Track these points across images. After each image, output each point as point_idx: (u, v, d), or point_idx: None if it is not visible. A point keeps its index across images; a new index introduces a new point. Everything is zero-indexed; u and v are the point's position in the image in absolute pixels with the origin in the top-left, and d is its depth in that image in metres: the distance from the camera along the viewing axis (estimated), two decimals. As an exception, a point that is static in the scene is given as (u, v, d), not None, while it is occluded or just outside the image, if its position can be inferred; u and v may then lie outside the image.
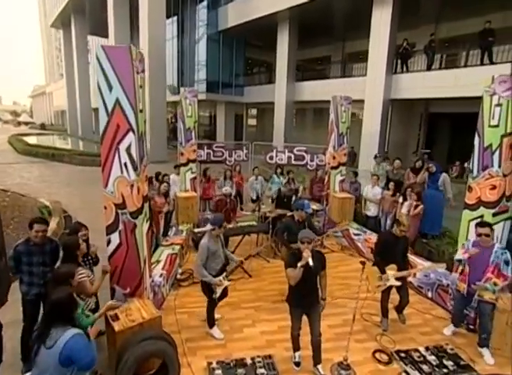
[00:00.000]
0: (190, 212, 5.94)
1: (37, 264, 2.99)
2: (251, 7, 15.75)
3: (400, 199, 5.88)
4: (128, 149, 2.97)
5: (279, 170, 7.68)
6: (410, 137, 15.48)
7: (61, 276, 2.45)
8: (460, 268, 3.61)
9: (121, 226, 3.11)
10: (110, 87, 2.87)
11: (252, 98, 19.85)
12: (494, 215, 3.66)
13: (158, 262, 4.40)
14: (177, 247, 4.93)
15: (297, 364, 3.16)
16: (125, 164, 2.99)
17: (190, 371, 3.01)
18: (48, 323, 1.92)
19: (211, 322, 3.57)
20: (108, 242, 3.17)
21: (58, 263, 2.94)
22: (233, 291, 4.52)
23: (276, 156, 7.74)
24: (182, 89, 6.63)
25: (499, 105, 3.53)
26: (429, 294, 4.51)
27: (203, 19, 18.23)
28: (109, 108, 2.90)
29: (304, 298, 2.97)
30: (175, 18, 19.74)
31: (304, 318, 3.09)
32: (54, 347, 1.82)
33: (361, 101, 12.36)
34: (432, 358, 3.30)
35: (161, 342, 2.75)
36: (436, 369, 3.15)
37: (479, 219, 3.71)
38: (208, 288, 3.37)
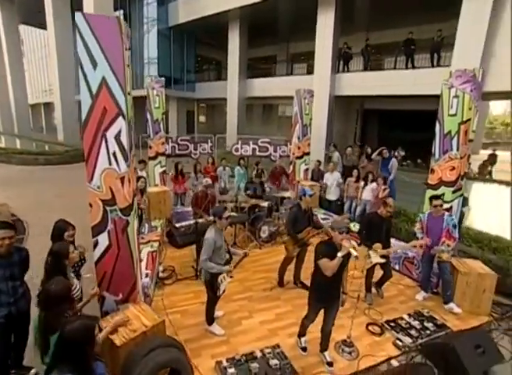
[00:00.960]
0: (163, 207, 5.45)
1: (4, 279, 2.38)
2: (201, 4, 15.18)
3: (361, 184, 6.28)
4: (117, 136, 2.50)
5: (242, 162, 7.53)
6: (348, 130, 16.72)
7: (57, 296, 1.96)
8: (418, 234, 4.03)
9: (110, 226, 2.64)
10: (94, 64, 2.35)
11: (203, 94, 19.32)
12: (453, 192, 4.11)
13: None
14: (155, 244, 4.47)
15: (304, 349, 3.12)
16: (114, 154, 2.51)
17: (198, 374, 2.75)
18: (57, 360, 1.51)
19: (210, 319, 3.31)
20: (95, 244, 2.67)
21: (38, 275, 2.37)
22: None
23: (241, 148, 7.58)
24: (148, 79, 5.99)
25: (456, 96, 3.93)
26: (397, 267, 4.90)
27: (152, 13, 16.84)
28: (93, 89, 2.38)
29: (329, 292, 2.83)
30: (122, 11, 17.79)
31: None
32: None
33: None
34: (415, 323, 3.58)
35: (172, 349, 2.44)
36: (421, 332, 3.44)
37: (442, 197, 4.13)
38: (211, 285, 3.09)
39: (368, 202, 6.25)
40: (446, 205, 4.10)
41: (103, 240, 2.66)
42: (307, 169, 7.19)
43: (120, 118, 2.48)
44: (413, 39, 11.01)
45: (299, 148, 6.96)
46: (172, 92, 17.95)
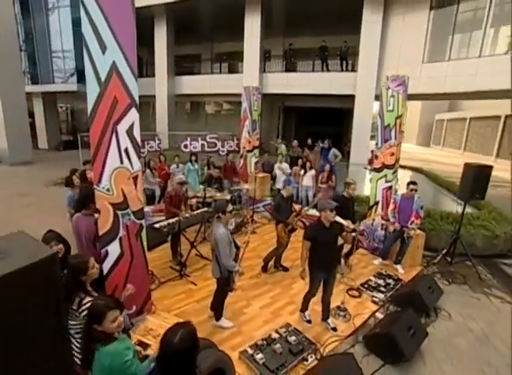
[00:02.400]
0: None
1: None
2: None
3: (302, 172, 6.84)
4: (130, 130, 2.13)
5: (193, 158, 7.21)
6: (272, 126, 17.67)
7: (98, 311, 1.61)
8: (391, 217, 4.63)
9: (122, 232, 2.25)
10: (103, 47, 1.92)
11: None
12: (393, 173, 4.94)
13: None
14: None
15: (309, 321, 3.35)
16: (126, 150, 2.13)
17: (227, 368, 2.66)
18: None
19: (219, 314, 3.19)
20: (105, 256, 2.24)
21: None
22: (208, 280, 4.14)
23: (191, 144, 7.22)
24: None
25: (392, 96, 4.70)
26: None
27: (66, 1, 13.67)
28: (102, 76, 1.95)
29: (327, 263, 3.09)
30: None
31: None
32: None
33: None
34: (381, 281, 4.23)
35: (212, 350, 2.31)
36: (387, 287, 4.09)
37: (384, 178, 4.92)
38: (227, 282, 2.97)
39: (308, 188, 6.86)
40: (387, 184, 4.91)
41: (114, 249, 2.25)
42: (257, 162, 7.37)
43: (133, 109, 2.12)
44: (326, 46, 12.36)
45: (249, 142, 7.07)
46: None
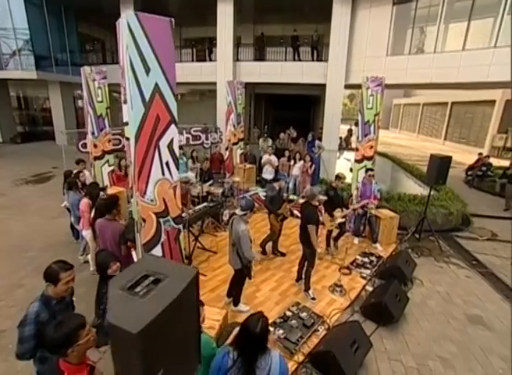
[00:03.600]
0: (123, 213, 4.79)
1: None
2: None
3: (291, 162, 7.26)
4: (170, 145, 2.28)
5: (181, 151, 7.22)
6: (243, 113, 17.66)
7: None
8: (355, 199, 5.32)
9: (163, 237, 2.46)
10: (147, 69, 2.03)
11: None
12: (371, 164, 5.53)
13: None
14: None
15: (314, 298, 3.85)
16: (167, 163, 2.30)
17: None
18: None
19: (238, 300, 3.56)
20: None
21: None
22: (216, 270, 4.47)
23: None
24: (87, 68, 4.75)
25: (372, 95, 5.18)
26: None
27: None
28: (146, 96, 2.06)
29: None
30: None
31: None
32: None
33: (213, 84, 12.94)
34: (365, 259, 4.87)
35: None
36: (371, 263, 4.75)
37: (364, 168, 5.49)
38: (248, 271, 3.31)
39: (297, 177, 7.31)
40: (370, 172, 5.49)
41: (156, 253, 2.46)
42: (242, 154, 7.60)
43: (172, 126, 2.27)
44: (297, 36, 12.52)
45: (234, 135, 7.24)
46: (53, 76, 13.79)
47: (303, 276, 4.01)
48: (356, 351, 2.78)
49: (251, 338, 1.65)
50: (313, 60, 12.65)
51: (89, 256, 4.27)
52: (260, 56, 13.64)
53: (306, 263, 3.93)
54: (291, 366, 2.79)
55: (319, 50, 12.60)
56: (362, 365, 2.87)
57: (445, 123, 20.43)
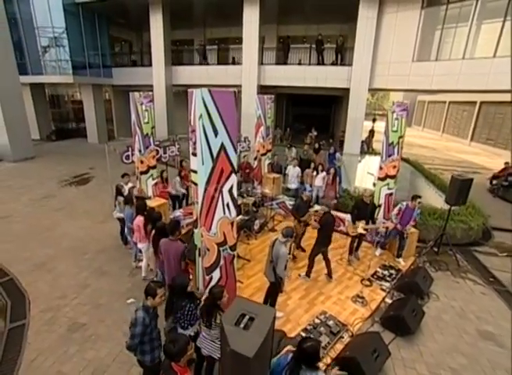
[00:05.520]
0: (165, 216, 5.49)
1: (155, 327, 2.63)
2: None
3: (314, 173, 7.71)
4: (230, 190, 2.86)
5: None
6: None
7: None
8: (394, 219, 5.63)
9: (222, 262, 3.07)
10: (215, 132, 2.60)
11: (122, 80, 16.24)
12: (394, 182, 5.91)
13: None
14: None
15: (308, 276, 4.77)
16: (227, 204, 2.89)
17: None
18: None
19: (273, 306, 4.15)
20: (210, 279, 3.07)
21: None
22: (251, 277, 5.06)
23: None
24: (136, 94, 5.41)
25: (396, 119, 5.52)
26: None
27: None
28: (214, 153, 2.64)
29: (325, 243, 4.81)
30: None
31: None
32: None
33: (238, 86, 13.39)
34: (385, 272, 5.33)
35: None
36: (390, 277, 5.21)
37: (387, 186, 5.89)
38: (279, 285, 3.89)
39: (319, 188, 7.76)
40: (389, 191, 5.89)
41: (216, 274, 3.08)
42: (269, 164, 8.12)
43: (233, 175, 2.84)
44: (322, 40, 12.69)
45: (263, 146, 7.75)
46: (86, 79, 14.74)
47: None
48: (376, 358, 3.31)
49: (301, 352, 2.22)
50: (337, 64, 12.81)
51: (141, 263, 4.99)
52: (284, 59, 13.89)
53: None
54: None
55: (343, 54, 12.72)
56: (381, 370, 3.40)
57: (472, 122, 19.95)
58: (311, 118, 21.08)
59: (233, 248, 3.13)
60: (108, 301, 4.44)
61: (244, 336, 1.50)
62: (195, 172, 2.83)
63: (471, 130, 20.05)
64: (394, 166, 5.79)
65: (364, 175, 10.30)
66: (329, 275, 5.04)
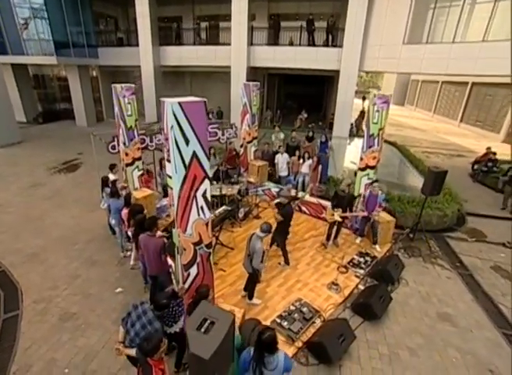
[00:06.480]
0: (151, 210, 5.64)
1: None
2: None
3: (301, 161, 7.82)
4: (204, 194, 2.98)
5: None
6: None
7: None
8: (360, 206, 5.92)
9: (198, 259, 3.26)
10: (187, 141, 2.67)
11: (109, 60, 15.56)
12: (374, 173, 6.06)
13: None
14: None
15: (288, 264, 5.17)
16: (201, 207, 3.02)
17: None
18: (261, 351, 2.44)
19: (251, 295, 4.44)
20: (188, 275, 3.27)
21: None
22: (234, 265, 5.32)
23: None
24: (118, 86, 5.29)
25: (377, 111, 5.56)
26: (336, 222, 6.91)
27: None
28: (187, 161, 2.72)
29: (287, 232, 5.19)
30: None
31: None
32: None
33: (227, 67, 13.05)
34: (361, 259, 5.63)
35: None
36: (366, 264, 5.51)
37: (367, 176, 6.05)
38: (258, 274, 4.14)
39: (306, 175, 7.90)
40: (369, 181, 6.06)
41: (193, 271, 3.27)
42: (255, 150, 8.17)
43: (206, 180, 2.95)
44: (313, 20, 12.24)
45: (249, 134, 7.75)
46: (71, 60, 14.05)
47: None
48: (342, 342, 3.64)
49: (261, 343, 2.47)
50: (328, 45, 12.46)
51: (129, 253, 5.20)
52: (274, 38, 13.43)
53: None
54: (292, 350, 3.70)
55: (334, 35, 12.34)
56: (346, 351, 3.75)
57: (463, 103, 19.87)
58: (303, 97, 20.76)
59: (209, 246, 3.31)
60: (97, 291, 4.68)
61: (203, 339, 1.70)
62: (170, 177, 2.92)
63: (461, 112, 20.02)
64: (374, 157, 5.92)
65: (352, 158, 10.45)
66: (286, 262, 5.37)
